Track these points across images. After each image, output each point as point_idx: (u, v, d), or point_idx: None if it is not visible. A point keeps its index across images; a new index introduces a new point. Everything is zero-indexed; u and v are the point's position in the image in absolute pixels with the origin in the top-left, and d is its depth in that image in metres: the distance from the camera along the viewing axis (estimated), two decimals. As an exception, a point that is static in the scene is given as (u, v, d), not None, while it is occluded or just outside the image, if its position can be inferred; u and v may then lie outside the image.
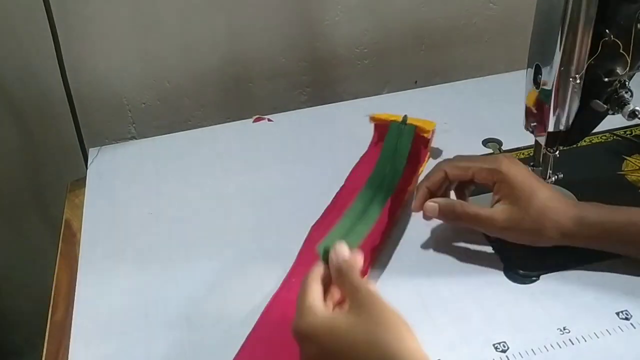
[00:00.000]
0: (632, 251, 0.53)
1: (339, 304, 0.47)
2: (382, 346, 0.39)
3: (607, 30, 0.50)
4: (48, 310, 0.59)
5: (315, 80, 0.98)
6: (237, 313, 0.55)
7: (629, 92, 0.53)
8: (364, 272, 0.57)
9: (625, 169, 0.68)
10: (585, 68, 0.51)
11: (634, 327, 0.50)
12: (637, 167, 0.68)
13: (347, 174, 0.70)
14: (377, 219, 0.60)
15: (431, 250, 0.60)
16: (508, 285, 0.55)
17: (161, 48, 0.89)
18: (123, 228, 0.66)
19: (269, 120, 0.83)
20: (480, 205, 0.56)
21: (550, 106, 0.54)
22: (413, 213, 0.62)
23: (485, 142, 0.75)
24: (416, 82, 1.03)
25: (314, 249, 0.59)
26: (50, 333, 0.57)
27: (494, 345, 0.50)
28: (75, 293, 0.59)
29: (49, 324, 0.58)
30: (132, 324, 0.55)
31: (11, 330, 1.13)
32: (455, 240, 0.61)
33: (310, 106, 0.90)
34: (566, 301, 0.53)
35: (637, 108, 0.52)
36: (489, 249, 0.59)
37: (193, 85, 0.93)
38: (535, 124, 0.57)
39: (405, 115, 0.71)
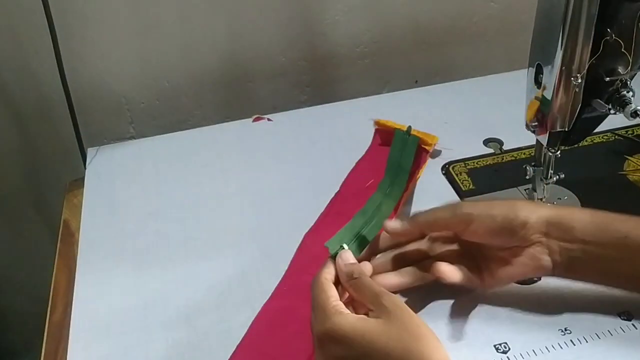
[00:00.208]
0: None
1: (352, 306, 0.47)
2: (416, 356, 0.40)
3: (608, 30, 0.50)
4: (46, 310, 0.59)
5: (315, 80, 0.98)
6: (236, 313, 0.54)
7: (631, 92, 0.52)
8: None
9: (627, 169, 0.68)
10: (586, 67, 0.51)
11: (636, 328, 0.50)
12: (639, 167, 0.68)
13: (347, 173, 0.70)
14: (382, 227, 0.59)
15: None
16: (509, 286, 0.55)
17: (161, 48, 0.89)
18: (122, 228, 0.66)
19: (268, 120, 0.83)
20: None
21: (551, 106, 0.53)
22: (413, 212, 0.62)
23: (486, 142, 0.74)
24: (416, 81, 1.02)
25: (307, 257, 0.59)
26: (48, 333, 0.57)
27: (495, 346, 0.50)
28: (74, 293, 0.59)
29: (48, 324, 0.58)
30: (131, 324, 0.55)
31: (9, 330, 1.13)
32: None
33: (310, 106, 0.90)
34: (567, 302, 0.53)
35: (638, 108, 0.51)
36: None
37: (192, 85, 0.93)
38: (536, 123, 0.57)
39: (410, 126, 0.70)
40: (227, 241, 0.63)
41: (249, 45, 0.92)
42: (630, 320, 0.51)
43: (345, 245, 0.52)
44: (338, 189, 0.68)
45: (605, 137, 0.73)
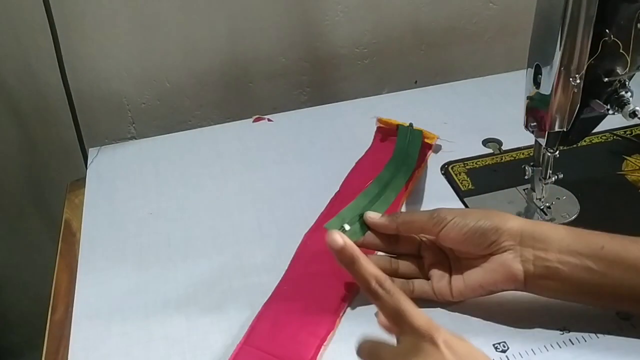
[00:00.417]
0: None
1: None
2: None
3: (607, 30, 0.50)
4: (48, 310, 0.59)
5: (315, 80, 0.98)
6: (236, 313, 0.55)
7: (629, 92, 0.53)
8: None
9: (626, 169, 0.68)
10: (585, 68, 0.51)
11: (634, 327, 0.50)
12: (637, 167, 0.68)
13: (347, 173, 0.70)
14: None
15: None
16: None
17: (162, 48, 0.89)
18: (123, 228, 0.66)
19: (268, 120, 0.83)
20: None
21: (550, 106, 0.54)
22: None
23: (485, 142, 0.75)
24: (416, 82, 1.03)
25: (307, 256, 0.59)
26: (49, 332, 0.57)
27: (494, 345, 0.50)
28: (75, 293, 0.59)
29: (49, 323, 0.58)
30: (131, 323, 0.55)
31: (11, 329, 1.13)
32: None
33: (310, 106, 0.90)
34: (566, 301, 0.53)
35: (637, 108, 0.52)
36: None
37: (193, 85, 0.93)
38: (535, 124, 0.57)
39: (411, 123, 0.73)
40: (227, 241, 0.63)
41: (249, 46, 0.92)
42: (628, 319, 0.51)
43: (346, 226, 0.52)
44: (338, 189, 0.68)
45: (603, 138, 0.73)
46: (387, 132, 0.75)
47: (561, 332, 0.50)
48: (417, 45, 1.00)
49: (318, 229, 0.62)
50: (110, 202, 0.70)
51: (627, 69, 0.52)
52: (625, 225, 0.59)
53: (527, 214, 0.63)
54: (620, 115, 0.53)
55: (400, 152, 0.69)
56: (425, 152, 0.72)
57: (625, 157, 0.70)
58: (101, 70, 0.88)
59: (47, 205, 1.00)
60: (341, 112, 0.83)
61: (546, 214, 0.62)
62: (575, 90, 0.52)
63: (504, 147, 0.73)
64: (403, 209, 0.64)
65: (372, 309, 0.53)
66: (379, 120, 0.76)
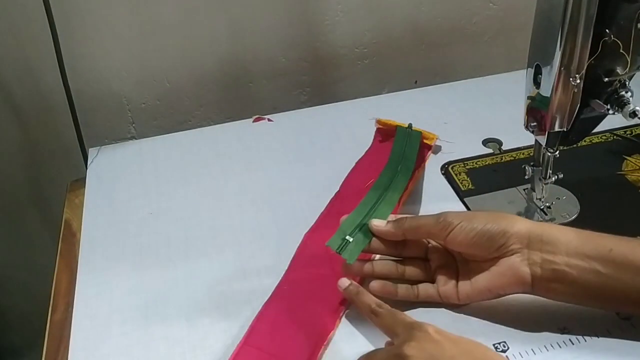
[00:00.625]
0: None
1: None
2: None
3: (607, 30, 0.50)
4: (48, 310, 0.59)
5: (315, 80, 0.98)
6: (236, 313, 0.55)
7: (629, 92, 0.53)
8: (367, 257, 0.58)
9: (626, 169, 0.68)
10: (585, 68, 0.51)
11: (634, 327, 0.50)
12: (637, 167, 0.68)
13: (347, 173, 0.70)
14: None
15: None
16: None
17: (162, 49, 0.89)
18: (123, 228, 0.66)
19: (269, 120, 0.83)
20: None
21: (550, 106, 0.54)
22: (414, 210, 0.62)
23: (485, 142, 0.75)
24: (416, 82, 1.03)
25: (307, 257, 0.59)
26: (50, 333, 0.57)
27: (494, 345, 0.50)
28: (75, 293, 0.59)
29: (49, 323, 0.58)
30: (132, 323, 0.55)
31: (11, 329, 1.13)
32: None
33: (310, 106, 0.90)
34: (566, 301, 0.53)
35: (637, 108, 0.52)
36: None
37: (193, 85, 0.93)
38: (535, 124, 0.57)
39: (410, 124, 0.73)
40: (227, 241, 0.63)
41: (249, 46, 0.92)
42: (628, 319, 0.51)
43: (349, 238, 0.52)
44: (338, 189, 0.68)
45: (604, 137, 0.73)
46: (386, 132, 0.75)
47: (561, 332, 0.50)
48: (417, 45, 1.00)
49: (318, 230, 0.62)
50: (110, 202, 0.70)
51: (627, 69, 0.52)
52: (626, 225, 0.59)
53: (527, 214, 0.63)
54: (620, 115, 0.53)
55: (396, 155, 0.69)
56: (425, 153, 0.72)
57: (625, 157, 0.70)
58: (101, 70, 0.88)
59: (47, 205, 1.00)
60: (341, 112, 0.83)
61: (546, 214, 0.62)
62: (575, 90, 0.52)
63: (504, 147, 0.73)
64: (402, 209, 0.64)
65: (372, 309, 0.53)
66: (378, 122, 0.76)
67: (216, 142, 0.79)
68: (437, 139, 0.73)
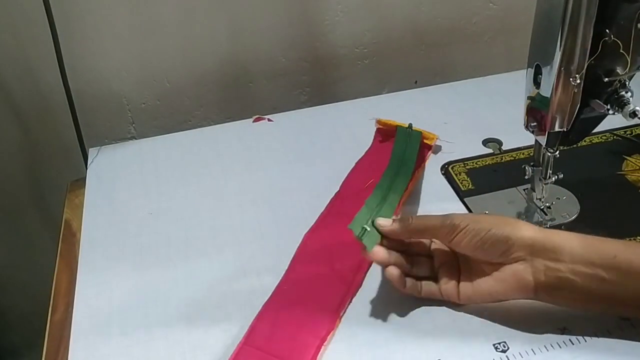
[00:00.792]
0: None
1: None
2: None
3: (607, 30, 0.50)
4: (48, 310, 0.59)
5: (315, 80, 0.98)
6: (237, 313, 0.55)
7: (629, 92, 0.53)
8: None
9: (626, 169, 0.68)
10: (585, 68, 0.51)
11: (634, 327, 0.50)
12: (637, 167, 0.68)
13: (347, 173, 0.70)
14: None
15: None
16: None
17: (162, 49, 0.89)
18: (123, 228, 0.66)
19: (269, 120, 0.83)
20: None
21: (550, 106, 0.54)
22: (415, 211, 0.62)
23: (485, 142, 0.75)
24: (416, 82, 1.03)
25: (307, 257, 0.59)
26: (50, 333, 0.57)
27: (494, 345, 0.50)
28: (75, 293, 0.59)
29: (49, 323, 0.58)
30: (132, 323, 0.55)
31: (11, 329, 1.13)
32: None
33: (310, 106, 0.90)
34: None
35: (637, 108, 0.52)
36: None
37: (193, 85, 0.93)
38: (535, 124, 0.57)
39: (411, 124, 0.73)
40: (227, 241, 0.63)
41: (249, 46, 0.92)
42: (628, 319, 0.51)
43: (367, 227, 0.53)
44: (338, 189, 0.68)
45: (604, 138, 0.73)
46: (386, 133, 0.75)
47: (561, 332, 0.50)
48: (417, 45, 1.00)
49: (318, 230, 0.63)
50: (110, 202, 0.71)
51: (627, 69, 0.52)
52: (626, 225, 0.60)
53: (527, 214, 0.63)
54: (620, 115, 0.53)
55: (397, 157, 0.69)
56: (425, 153, 0.72)
57: (625, 157, 0.70)
58: (101, 70, 0.88)
59: (47, 205, 1.00)
60: (341, 112, 0.83)
61: (546, 214, 0.62)
62: (576, 90, 0.52)
63: (504, 147, 0.73)
64: (403, 209, 0.64)
65: (372, 309, 0.54)
66: (378, 122, 0.76)
67: (216, 142, 0.79)
68: (437, 139, 0.73)
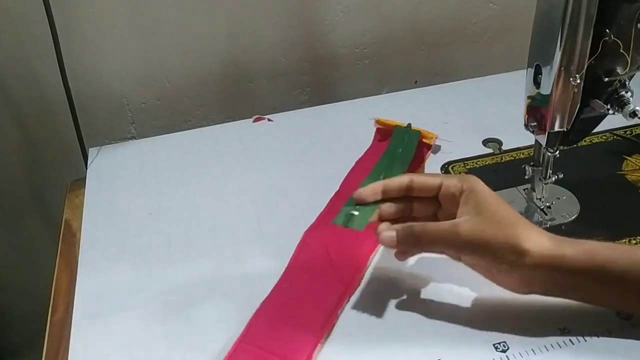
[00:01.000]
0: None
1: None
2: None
3: (607, 30, 0.50)
4: (48, 310, 0.59)
5: (315, 80, 0.98)
6: (237, 312, 0.55)
7: (629, 92, 0.53)
8: (366, 256, 0.58)
9: (626, 169, 0.68)
10: (585, 68, 0.51)
11: (634, 327, 0.50)
12: (638, 167, 0.68)
13: (347, 173, 0.70)
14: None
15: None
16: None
17: (162, 49, 0.89)
18: (123, 228, 0.66)
19: (269, 120, 0.83)
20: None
21: (550, 106, 0.54)
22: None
23: (485, 142, 0.75)
24: (416, 82, 1.03)
25: (306, 255, 0.59)
26: (50, 333, 0.57)
27: (494, 345, 0.50)
28: (75, 293, 0.59)
29: (49, 323, 0.58)
30: (132, 323, 0.55)
31: (11, 330, 1.13)
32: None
33: (310, 106, 0.90)
34: (566, 301, 0.53)
35: (637, 108, 0.52)
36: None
37: (193, 85, 0.93)
38: (535, 123, 0.57)
39: (409, 123, 0.74)
40: (227, 241, 0.63)
41: (249, 46, 0.92)
42: (629, 319, 0.51)
43: (355, 212, 0.52)
44: (338, 188, 0.68)
45: (604, 137, 0.73)
46: (385, 132, 0.75)
47: (561, 332, 0.50)
48: (417, 45, 1.00)
49: (317, 228, 0.63)
50: (110, 202, 0.71)
51: (627, 69, 0.52)
52: (626, 225, 0.59)
53: (527, 213, 0.63)
54: (620, 115, 0.53)
55: (388, 156, 0.69)
56: (425, 152, 0.72)
57: (625, 157, 0.70)
58: (101, 70, 0.88)
59: (47, 205, 1.00)
60: (341, 112, 0.83)
61: (546, 214, 0.62)
62: (576, 90, 0.52)
63: (504, 147, 0.73)
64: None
65: (371, 308, 0.54)
66: (378, 122, 0.76)
67: (216, 142, 0.79)
68: (436, 138, 0.73)
